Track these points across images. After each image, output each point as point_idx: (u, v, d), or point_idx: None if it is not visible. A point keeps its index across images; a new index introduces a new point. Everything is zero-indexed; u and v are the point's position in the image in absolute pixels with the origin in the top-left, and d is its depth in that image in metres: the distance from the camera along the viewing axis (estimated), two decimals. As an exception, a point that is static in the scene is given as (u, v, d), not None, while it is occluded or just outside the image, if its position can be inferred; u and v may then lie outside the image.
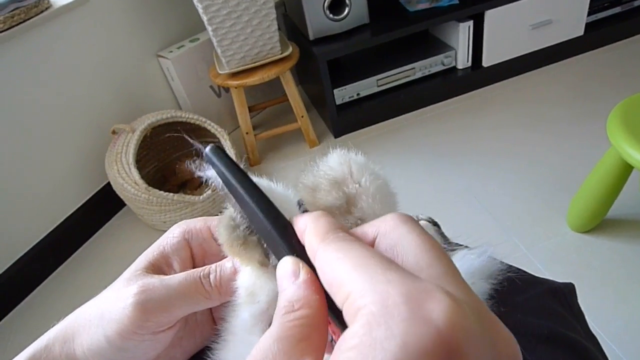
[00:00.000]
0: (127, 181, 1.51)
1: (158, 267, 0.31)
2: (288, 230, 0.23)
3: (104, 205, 1.76)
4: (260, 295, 0.25)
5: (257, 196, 0.23)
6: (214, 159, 0.25)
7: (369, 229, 0.22)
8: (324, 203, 0.25)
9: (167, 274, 0.30)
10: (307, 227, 0.21)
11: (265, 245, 0.25)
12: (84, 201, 1.71)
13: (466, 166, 1.62)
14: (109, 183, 1.63)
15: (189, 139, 0.29)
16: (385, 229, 0.21)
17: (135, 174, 1.51)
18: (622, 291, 1.12)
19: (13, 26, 1.39)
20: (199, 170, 0.27)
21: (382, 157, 1.77)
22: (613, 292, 1.13)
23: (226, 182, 0.25)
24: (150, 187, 1.50)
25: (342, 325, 0.18)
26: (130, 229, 1.73)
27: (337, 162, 0.26)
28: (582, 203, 1.23)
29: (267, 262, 0.25)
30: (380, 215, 0.25)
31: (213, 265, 0.29)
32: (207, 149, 0.25)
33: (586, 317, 0.45)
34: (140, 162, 1.71)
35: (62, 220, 1.64)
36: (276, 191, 0.26)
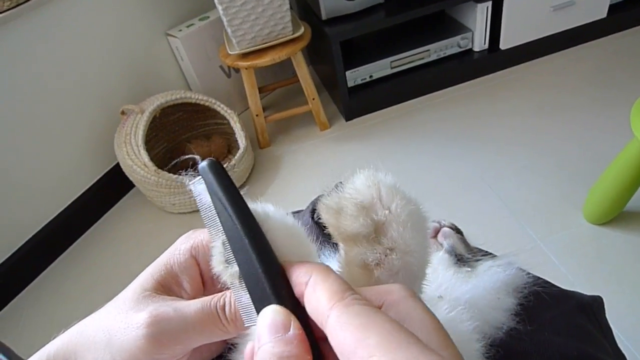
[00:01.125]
0: (137, 163, 1.50)
1: (168, 287, 0.29)
2: (279, 278, 0.21)
3: (113, 186, 1.76)
4: None
5: (252, 232, 0.21)
6: (210, 175, 0.23)
7: (373, 297, 0.20)
8: (350, 230, 0.23)
9: (178, 295, 0.29)
10: (315, 282, 0.20)
11: (242, 283, 0.22)
12: (93, 182, 1.71)
13: (480, 153, 1.58)
14: (118, 164, 1.62)
15: (192, 150, 0.27)
16: (393, 300, 0.20)
17: (144, 155, 1.50)
18: (638, 286, 1.10)
19: (20, 4, 1.36)
20: (189, 180, 0.25)
21: (394, 142, 1.73)
22: (628, 287, 1.10)
23: (218, 206, 0.22)
24: (159, 170, 1.49)
25: None
26: (139, 210, 1.73)
27: (365, 185, 0.24)
28: (600, 194, 1.20)
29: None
30: (411, 245, 0.23)
31: (227, 295, 0.27)
32: (205, 162, 0.23)
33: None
34: (150, 143, 1.70)
35: (72, 201, 1.65)
36: (273, 218, 0.24)
